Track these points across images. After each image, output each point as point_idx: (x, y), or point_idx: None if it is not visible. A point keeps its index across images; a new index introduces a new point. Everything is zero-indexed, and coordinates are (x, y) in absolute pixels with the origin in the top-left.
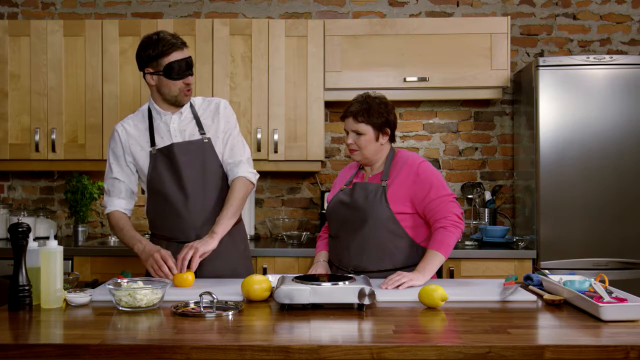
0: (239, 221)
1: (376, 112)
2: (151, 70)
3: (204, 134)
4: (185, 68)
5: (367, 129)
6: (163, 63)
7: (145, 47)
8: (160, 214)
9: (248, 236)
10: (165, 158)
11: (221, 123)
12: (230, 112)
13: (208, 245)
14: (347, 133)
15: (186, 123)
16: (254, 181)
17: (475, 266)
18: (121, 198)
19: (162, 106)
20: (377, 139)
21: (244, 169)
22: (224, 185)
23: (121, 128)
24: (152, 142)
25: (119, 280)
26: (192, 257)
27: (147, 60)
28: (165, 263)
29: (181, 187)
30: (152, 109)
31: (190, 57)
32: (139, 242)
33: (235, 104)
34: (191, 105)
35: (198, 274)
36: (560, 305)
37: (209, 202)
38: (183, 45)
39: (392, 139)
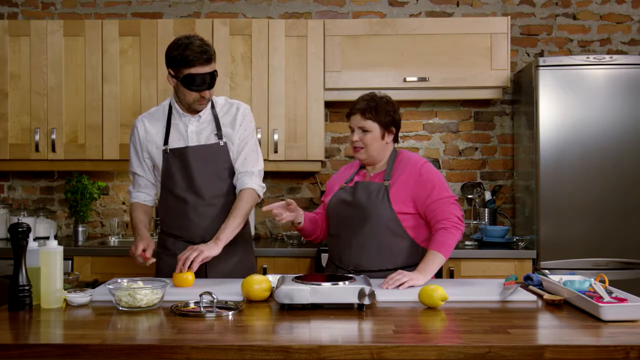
0: (246, 225)
1: (383, 110)
2: (172, 73)
3: (221, 138)
4: (205, 81)
5: (374, 126)
6: (183, 72)
7: (172, 48)
8: (169, 212)
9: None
10: (178, 160)
11: (239, 131)
12: (249, 120)
13: (212, 250)
14: (352, 131)
15: (204, 126)
16: (262, 195)
17: (475, 266)
18: (141, 191)
19: (181, 108)
20: (382, 137)
21: (254, 182)
22: (233, 191)
23: (140, 124)
24: (166, 141)
25: (119, 280)
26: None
27: (170, 62)
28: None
29: (192, 190)
30: (173, 107)
31: (214, 71)
32: (135, 237)
33: None
34: (212, 106)
35: (202, 275)
36: (560, 305)
37: (217, 206)
38: (208, 61)
39: (395, 139)
